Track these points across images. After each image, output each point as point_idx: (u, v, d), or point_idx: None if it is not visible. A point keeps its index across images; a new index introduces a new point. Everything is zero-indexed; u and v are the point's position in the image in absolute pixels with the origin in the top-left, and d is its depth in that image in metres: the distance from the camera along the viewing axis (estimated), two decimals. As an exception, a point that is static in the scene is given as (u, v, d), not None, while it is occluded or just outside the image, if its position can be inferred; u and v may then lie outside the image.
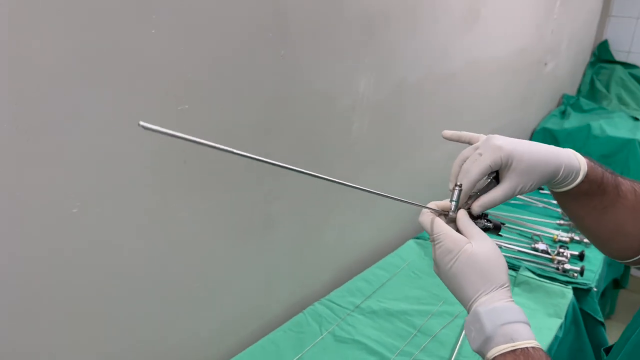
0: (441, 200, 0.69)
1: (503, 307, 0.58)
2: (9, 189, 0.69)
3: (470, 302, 0.60)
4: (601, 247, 0.78)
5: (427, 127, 1.66)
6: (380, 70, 1.36)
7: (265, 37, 0.98)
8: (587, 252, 1.68)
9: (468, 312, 0.61)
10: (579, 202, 0.70)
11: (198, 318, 1.08)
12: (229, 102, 0.96)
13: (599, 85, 3.64)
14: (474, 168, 0.64)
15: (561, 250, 1.68)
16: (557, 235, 1.81)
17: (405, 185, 1.67)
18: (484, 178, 0.66)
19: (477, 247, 0.60)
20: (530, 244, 1.76)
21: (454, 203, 0.65)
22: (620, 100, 3.51)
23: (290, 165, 0.54)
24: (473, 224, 0.64)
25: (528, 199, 2.11)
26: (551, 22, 2.59)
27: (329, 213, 1.37)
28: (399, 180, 1.63)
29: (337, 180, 0.59)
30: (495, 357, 0.56)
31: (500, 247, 1.67)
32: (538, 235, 1.81)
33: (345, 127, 1.31)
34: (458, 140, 0.74)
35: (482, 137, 0.69)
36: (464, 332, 1.16)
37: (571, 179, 0.67)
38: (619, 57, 3.71)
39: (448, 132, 0.74)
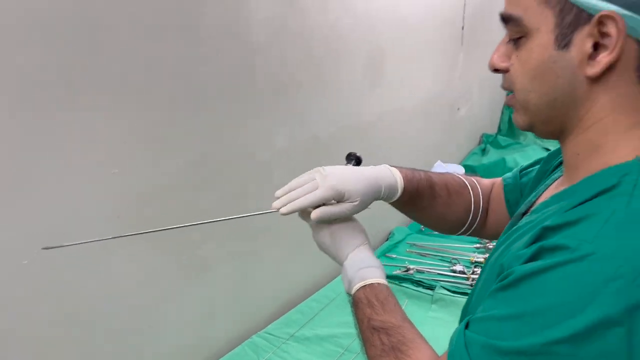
0: None
1: (360, 258, 0.77)
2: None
3: (343, 262, 0.79)
4: (436, 230, 1.00)
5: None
6: (294, 128, 1.59)
7: (181, 106, 1.20)
8: (497, 269, 1.91)
9: None
10: (405, 206, 0.92)
11: (145, 356, 1.22)
12: (154, 166, 1.16)
13: (515, 123, 4.04)
14: (306, 199, 0.76)
15: (475, 269, 1.91)
16: (474, 257, 2.04)
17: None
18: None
19: (336, 226, 0.80)
20: (449, 266, 1.98)
21: None
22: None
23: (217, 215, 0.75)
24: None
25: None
26: (457, 70, 2.94)
27: (260, 253, 1.55)
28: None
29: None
30: (354, 293, 0.74)
31: (422, 272, 1.90)
32: (456, 259, 2.03)
33: (267, 178, 1.52)
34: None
35: (320, 169, 0.82)
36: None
37: (393, 194, 0.87)
38: (530, 96, 4.14)
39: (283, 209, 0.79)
